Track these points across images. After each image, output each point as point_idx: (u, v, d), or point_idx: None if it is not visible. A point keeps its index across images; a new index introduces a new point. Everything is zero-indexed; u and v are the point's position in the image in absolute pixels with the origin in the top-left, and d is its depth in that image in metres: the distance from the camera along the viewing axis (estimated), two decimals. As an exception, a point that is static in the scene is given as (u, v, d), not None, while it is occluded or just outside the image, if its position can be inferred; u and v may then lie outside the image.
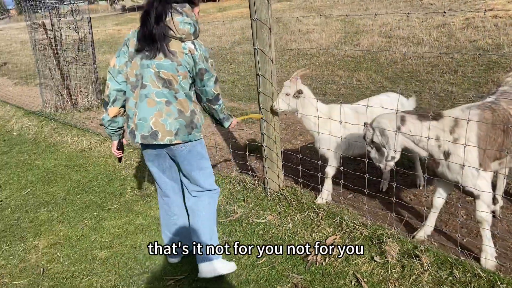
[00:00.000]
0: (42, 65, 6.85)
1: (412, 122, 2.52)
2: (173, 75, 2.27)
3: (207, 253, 2.62)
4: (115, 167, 4.54)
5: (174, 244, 2.78)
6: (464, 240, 2.82)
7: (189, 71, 2.32)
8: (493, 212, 3.05)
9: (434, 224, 2.82)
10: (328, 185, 3.34)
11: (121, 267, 2.88)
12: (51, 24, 6.60)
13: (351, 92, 6.30)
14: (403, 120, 2.53)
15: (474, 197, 2.51)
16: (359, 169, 3.84)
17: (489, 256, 2.49)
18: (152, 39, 2.24)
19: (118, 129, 2.54)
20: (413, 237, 2.82)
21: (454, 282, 2.28)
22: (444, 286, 2.28)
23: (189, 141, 2.39)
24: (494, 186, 2.99)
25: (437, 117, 2.50)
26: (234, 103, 6.55)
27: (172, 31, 2.24)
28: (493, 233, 2.71)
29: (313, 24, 13.35)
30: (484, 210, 2.44)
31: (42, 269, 2.95)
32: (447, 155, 2.48)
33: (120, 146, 2.66)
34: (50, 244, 3.26)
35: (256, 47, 3.08)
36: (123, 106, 2.45)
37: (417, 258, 2.45)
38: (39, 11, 6.78)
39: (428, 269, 2.38)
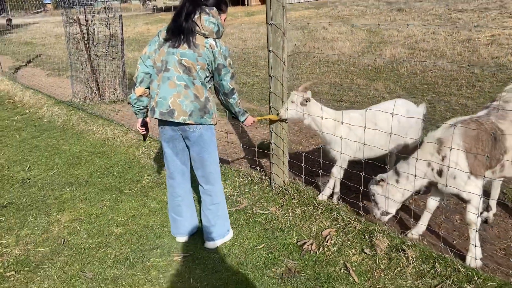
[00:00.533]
0: (74, 58, 7.26)
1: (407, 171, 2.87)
2: (193, 63, 2.57)
3: (211, 237, 2.94)
4: (135, 156, 4.85)
5: (178, 223, 3.07)
6: (454, 242, 2.99)
7: (208, 63, 2.63)
8: (486, 218, 3.21)
9: (426, 223, 3.00)
10: (331, 183, 3.55)
11: (134, 243, 3.16)
12: (85, 20, 7.00)
13: (367, 100, 6.47)
14: (397, 173, 2.89)
15: (465, 201, 2.68)
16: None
17: (475, 256, 2.66)
18: (179, 31, 2.59)
19: (142, 108, 2.86)
20: (406, 234, 3.01)
21: (435, 275, 2.47)
22: (426, 278, 2.47)
23: (201, 124, 2.67)
24: (488, 194, 3.16)
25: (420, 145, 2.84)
26: (252, 105, 6.81)
27: (198, 27, 2.58)
28: (484, 237, 2.89)
29: (338, 32, 13.52)
30: (473, 213, 2.61)
31: (63, 240, 3.26)
32: (440, 173, 2.69)
33: (144, 124, 2.98)
34: (71, 219, 3.57)
35: (270, 50, 3.32)
36: (149, 88, 2.76)
37: (404, 252, 2.64)
38: (75, 6, 7.20)
39: (412, 262, 2.57)
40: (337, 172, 3.49)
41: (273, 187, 3.65)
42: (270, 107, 3.49)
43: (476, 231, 2.65)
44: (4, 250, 3.15)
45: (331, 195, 3.58)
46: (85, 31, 6.97)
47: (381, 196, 2.94)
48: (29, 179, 4.44)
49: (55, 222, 3.53)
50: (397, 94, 6.68)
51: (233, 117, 3.04)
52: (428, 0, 19.09)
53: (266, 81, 8.45)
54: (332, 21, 16.81)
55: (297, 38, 13.50)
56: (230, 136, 5.43)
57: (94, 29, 7.02)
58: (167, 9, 35.93)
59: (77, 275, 2.83)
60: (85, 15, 7.05)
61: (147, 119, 2.97)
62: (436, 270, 2.48)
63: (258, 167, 4.06)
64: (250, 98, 7.25)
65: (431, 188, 2.93)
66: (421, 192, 3.37)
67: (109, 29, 7.02)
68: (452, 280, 2.39)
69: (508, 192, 3.58)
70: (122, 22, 7.11)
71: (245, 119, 3.02)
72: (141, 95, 2.78)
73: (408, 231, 3.05)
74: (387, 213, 2.98)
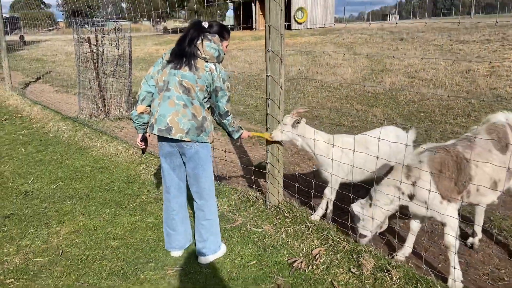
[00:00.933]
0: (83, 75, 7.49)
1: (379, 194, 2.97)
2: (193, 85, 2.74)
3: (203, 252, 3.05)
4: (136, 172, 4.98)
5: (172, 238, 3.18)
6: (439, 265, 3.07)
7: (206, 85, 2.80)
8: (472, 244, 3.30)
9: (411, 245, 3.09)
10: (323, 204, 3.66)
11: (129, 256, 3.26)
12: (96, 40, 7.26)
13: (365, 126, 6.61)
14: (370, 198, 3.03)
15: (442, 224, 2.79)
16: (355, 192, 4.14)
17: (456, 278, 2.74)
18: (182, 55, 2.78)
19: (143, 124, 3.03)
20: (393, 257, 3.10)
21: (417, 295, 2.55)
22: (408, 298, 2.55)
23: (197, 141, 2.82)
24: (473, 221, 3.26)
25: (390, 171, 2.98)
26: (253, 126, 6.97)
27: (200, 51, 2.77)
28: (468, 262, 2.98)
29: (341, 59, 13.80)
30: (450, 235, 2.71)
31: (61, 251, 3.36)
32: (411, 197, 2.82)
33: (144, 139, 3.15)
34: (70, 231, 3.68)
35: (268, 74, 3.49)
36: (150, 106, 2.93)
37: (388, 273, 2.73)
38: (86, 26, 7.47)
39: (396, 283, 2.66)
40: (329, 193, 3.60)
41: (268, 206, 3.76)
42: (267, 128, 3.64)
43: (455, 253, 2.74)
44: (5, 259, 3.26)
45: (324, 216, 3.68)
46: (94, 50, 7.21)
47: (357, 218, 3.06)
48: (32, 192, 4.57)
49: (54, 234, 3.64)
50: (394, 121, 6.82)
51: (228, 135, 3.23)
52: (431, 31, 19.47)
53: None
54: (336, 48, 17.14)
55: (301, 63, 13.78)
56: (230, 156, 5.56)
57: (103, 49, 7.27)
58: (176, 31, 36.69)
59: (73, 285, 2.93)
60: (95, 35, 7.31)
61: (147, 135, 3.13)
62: (419, 290, 2.57)
63: (254, 186, 4.18)
64: (252, 120, 7.42)
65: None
66: (410, 215, 3.47)
67: (118, 49, 7.26)
68: (433, 301, 2.48)
69: (495, 219, 3.66)
70: (131, 43, 7.36)
71: (239, 136, 3.24)
72: (142, 112, 2.94)
73: (395, 253, 3.14)
74: (364, 236, 3.08)
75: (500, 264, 3.09)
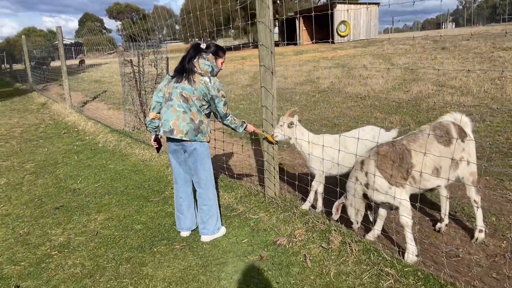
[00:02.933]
0: (127, 93, 8.51)
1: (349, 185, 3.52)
2: (190, 95, 3.45)
3: (204, 232, 3.75)
4: (164, 173, 5.78)
5: (180, 220, 3.89)
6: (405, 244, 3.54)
7: (203, 95, 3.50)
8: (439, 228, 3.73)
9: (380, 228, 3.59)
10: (311, 195, 4.23)
11: (148, 236, 4.00)
12: (138, 61, 8.26)
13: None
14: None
15: (397, 208, 3.25)
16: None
17: (410, 252, 3.21)
18: (183, 71, 3.51)
19: (155, 128, 3.78)
20: (364, 236, 3.61)
21: (368, 262, 3.08)
22: (362, 265, 3.09)
23: (195, 140, 3.51)
24: (438, 207, 3.70)
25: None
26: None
27: (196, 68, 3.46)
28: (432, 243, 3.43)
29: (375, 70, 14.12)
30: (404, 216, 3.19)
31: (96, 232, 4.17)
32: (367, 185, 3.34)
33: (156, 139, 3.89)
34: (105, 218, 4.49)
35: (262, 85, 4.14)
36: (159, 113, 3.67)
37: (350, 246, 3.26)
38: (142, 48, 8.51)
39: (355, 254, 3.19)
40: (316, 185, 4.17)
41: (266, 198, 4.38)
42: (263, 131, 4.27)
43: (410, 232, 3.20)
44: (53, 238, 4.11)
45: (314, 205, 4.25)
46: (136, 70, 8.21)
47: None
48: (79, 189, 5.48)
49: (92, 220, 4.47)
50: (408, 127, 7.19)
51: (233, 130, 3.87)
52: (476, 39, 19.20)
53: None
54: (374, 59, 17.42)
55: (336, 75, 14.26)
56: (250, 160, 6.24)
57: (143, 69, 8.25)
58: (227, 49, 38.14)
59: (102, 255, 3.70)
60: (138, 58, 8.32)
61: (159, 136, 3.88)
62: (371, 259, 3.09)
63: (258, 182, 4.81)
64: (275, 129, 8.06)
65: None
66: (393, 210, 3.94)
67: (156, 68, 8.21)
68: (380, 266, 2.98)
69: (467, 208, 4.05)
70: (167, 63, 8.29)
71: (244, 129, 3.86)
72: (153, 118, 3.70)
73: (367, 235, 3.64)
74: (351, 222, 3.64)
75: (460, 245, 3.51)
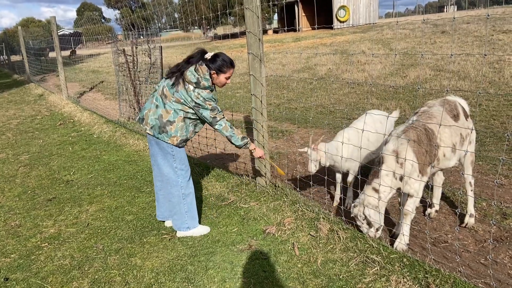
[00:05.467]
0: (121, 83, 8.47)
1: (383, 185, 3.13)
2: (169, 95, 3.41)
3: (174, 226, 3.75)
4: (157, 163, 5.76)
5: (157, 208, 3.94)
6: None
7: (183, 100, 3.36)
8: (429, 213, 3.71)
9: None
10: (350, 192, 4.15)
11: (138, 227, 4.00)
12: (132, 51, 8.20)
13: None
14: (375, 190, 3.18)
15: (409, 195, 3.15)
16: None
17: (402, 241, 3.19)
18: (175, 71, 3.46)
19: None
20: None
21: (355, 249, 3.07)
22: (349, 252, 3.08)
23: (158, 138, 3.47)
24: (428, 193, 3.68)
25: (382, 161, 3.16)
26: (271, 122, 7.57)
27: (184, 74, 3.38)
28: (420, 229, 3.41)
29: (374, 56, 14.00)
30: (411, 206, 3.11)
31: (87, 223, 4.17)
32: (401, 179, 3.10)
33: None
34: (97, 209, 4.49)
35: (250, 73, 4.10)
36: None
37: (337, 234, 3.25)
38: (142, 37, 8.44)
39: (343, 241, 3.18)
40: (352, 179, 4.07)
41: (257, 187, 4.37)
42: (252, 120, 4.24)
43: (408, 224, 3.16)
44: (43, 230, 4.11)
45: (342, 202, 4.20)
46: (130, 60, 8.15)
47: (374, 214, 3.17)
48: (72, 181, 5.48)
49: (84, 212, 4.47)
50: (405, 114, 7.14)
51: (229, 141, 3.59)
52: (476, 22, 19.00)
53: (292, 102, 9.22)
54: (373, 45, 17.27)
55: (334, 62, 14.15)
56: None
57: (137, 59, 8.19)
58: (224, 36, 37.96)
59: (91, 246, 3.70)
60: (131, 47, 8.26)
61: None
62: (358, 246, 3.08)
63: (251, 172, 4.79)
64: (270, 117, 8.02)
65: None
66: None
67: (150, 58, 8.15)
68: (366, 253, 2.98)
69: (458, 194, 4.03)
70: (161, 52, 8.22)
71: (244, 144, 3.55)
72: None
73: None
74: (381, 226, 3.26)
75: (449, 231, 3.50)
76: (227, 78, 3.49)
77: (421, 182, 3.09)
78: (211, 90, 3.44)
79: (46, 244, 3.81)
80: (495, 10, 32.18)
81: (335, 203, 4.20)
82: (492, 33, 15.51)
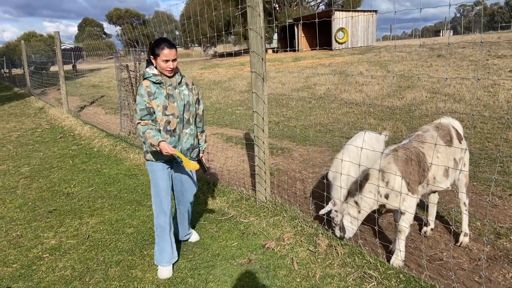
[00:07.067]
0: (123, 98, 8.59)
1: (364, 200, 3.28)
2: None
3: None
4: (158, 178, 5.83)
5: None
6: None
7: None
8: (425, 232, 3.79)
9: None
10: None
11: (139, 240, 4.05)
12: (134, 66, 8.34)
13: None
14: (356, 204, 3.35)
15: (401, 213, 3.25)
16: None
17: (398, 257, 3.26)
18: None
19: None
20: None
21: (353, 265, 3.13)
22: (347, 267, 3.14)
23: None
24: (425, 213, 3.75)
25: (367, 177, 3.29)
26: (271, 139, 7.68)
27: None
28: (416, 246, 3.48)
29: (371, 77, 14.23)
30: (405, 223, 3.19)
31: (87, 235, 4.22)
32: (387, 196, 3.22)
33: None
34: (97, 222, 4.55)
35: (253, 91, 4.22)
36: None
37: (336, 249, 3.32)
38: (142, 53, 8.59)
39: (340, 257, 3.25)
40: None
41: (257, 202, 4.44)
42: (254, 137, 4.34)
43: (403, 240, 3.24)
44: (44, 241, 4.15)
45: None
46: (132, 75, 8.29)
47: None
48: (72, 193, 5.53)
49: (84, 224, 4.52)
50: (400, 133, 7.27)
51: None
52: (472, 47, 19.36)
53: (291, 120, 9.34)
54: (370, 66, 17.54)
55: (333, 82, 14.36)
56: (244, 165, 6.30)
57: (140, 74, 8.32)
58: (224, 55, 38.35)
59: (92, 258, 3.75)
60: (134, 63, 8.40)
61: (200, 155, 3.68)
62: (355, 262, 3.14)
63: (251, 187, 4.87)
64: (270, 134, 8.13)
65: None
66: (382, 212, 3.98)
67: (152, 74, 8.27)
68: (364, 268, 3.04)
69: (453, 213, 4.11)
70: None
71: (152, 145, 3.04)
72: None
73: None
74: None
75: (445, 248, 3.57)
76: (165, 61, 3.04)
77: (411, 199, 3.18)
78: (158, 83, 3.12)
79: (47, 255, 3.85)
80: (490, 35, 32.84)
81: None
82: (487, 58, 15.82)
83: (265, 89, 4.21)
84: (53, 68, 25.04)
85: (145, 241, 4.01)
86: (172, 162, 3.39)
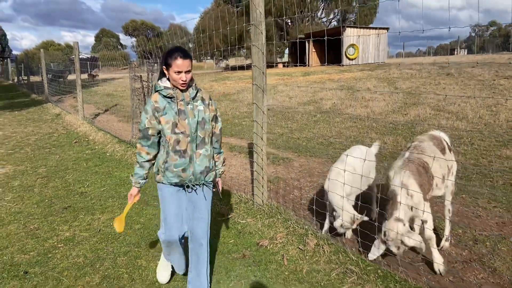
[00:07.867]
0: (135, 106, 9.04)
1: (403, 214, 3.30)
2: None
3: None
4: (165, 181, 6.21)
5: None
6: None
7: None
8: (442, 246, 3.99)
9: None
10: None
11: (145, 234, 4.42)
12: (147, 77, 8.80)
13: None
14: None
15: (423, 222, 3.43)
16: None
17: (441, 263, 3.43)
18: None
19: None
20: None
21: (337, 261, 3.46)
22: (331, 264, 3.47)
23: None
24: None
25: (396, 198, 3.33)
26: (273, 150, 8.03)
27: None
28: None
29: (379, 93, 14.56)
30: (430, 229, 3.41)
31: (99, 229, 4.60)
32: (411, 208, 3.35)
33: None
34: (108, 218, 4.93)
35: (254, 102, 4.59)
36: None
37: (323, 248, 3.64)
38: (156, 64, 9.06)
39: (327, 254, 3.57)
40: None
41: (255, 205, 4.79)
42: (253, 144, 4.70)
43: (435, 248, 3.42)
44: (59, 233, 4.54)
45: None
46: (145, 86, 8.74)
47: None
48: (85, 192, 5.93)
49: (96, 219, 4.91)
50: (400, 147, 7.57)
51: None
52: (481, 66, 19.59)
53: (294, 132, 9.69)
54: (379, 83, 17.87)
55: (339, 97, 14.72)
56: (246, 172, 6.66)
57: (152, 85, 8.77)
58: (235, 68, 38.98)
59: (102, 249, 4.12)
60: (147, 73, 8.87)
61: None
62: (339, 259, 3.47)
63: (250, 191, 5.22)
64: (272, 146, 8.49)
65: None
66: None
67: (164, 84, 8.72)
68: (346, 264, 3.36)
69: (437, 220, 4.41)
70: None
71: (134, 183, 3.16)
72: None
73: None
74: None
75: (427, 252, 3.86)
76: (177, 73, 2.75)
77: (427, 207, 3.39)
78: (169, 97, 2.85)
79: (62, 245, 4.23)
80: (502, 56, 32.97)
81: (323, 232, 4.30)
82: (495, 78, 16.06)
83: (265, 100, 4.58)
84: (70, 77, 25.84)
85: (150, 236, 4.38)
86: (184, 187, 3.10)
